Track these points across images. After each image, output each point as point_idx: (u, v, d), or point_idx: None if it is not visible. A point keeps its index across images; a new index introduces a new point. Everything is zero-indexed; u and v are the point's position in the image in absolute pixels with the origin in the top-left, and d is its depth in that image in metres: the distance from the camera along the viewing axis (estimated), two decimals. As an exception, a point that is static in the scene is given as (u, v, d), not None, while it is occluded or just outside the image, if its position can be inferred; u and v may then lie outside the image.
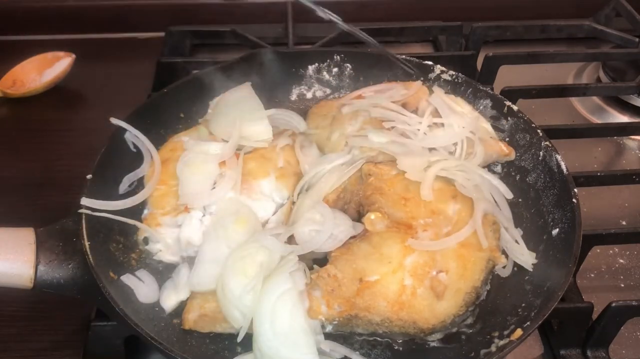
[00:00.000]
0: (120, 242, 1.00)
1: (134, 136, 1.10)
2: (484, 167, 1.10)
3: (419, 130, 1.10)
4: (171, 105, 1.20)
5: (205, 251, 0.96)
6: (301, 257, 0.92)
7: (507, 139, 1.16)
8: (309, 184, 1.06)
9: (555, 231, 1.00)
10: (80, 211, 0.96)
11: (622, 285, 1.10)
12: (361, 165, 1.05)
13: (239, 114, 1.11)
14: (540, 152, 1.10)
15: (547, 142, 1.09)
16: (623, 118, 1.44)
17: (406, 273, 0.91)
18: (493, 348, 0.87)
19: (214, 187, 1.02)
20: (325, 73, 1.32)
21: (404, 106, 1.16)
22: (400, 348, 0.91)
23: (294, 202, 1.04)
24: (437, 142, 1.09)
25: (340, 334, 0.92)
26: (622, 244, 1.14)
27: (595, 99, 1.48)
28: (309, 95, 1.32)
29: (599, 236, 1.04)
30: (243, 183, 1.03)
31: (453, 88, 1.24)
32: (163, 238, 1.00)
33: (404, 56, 1.29)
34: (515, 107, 1.17)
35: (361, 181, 1.04)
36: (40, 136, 1.39)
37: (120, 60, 1.60)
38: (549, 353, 1.00)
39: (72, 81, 1.50)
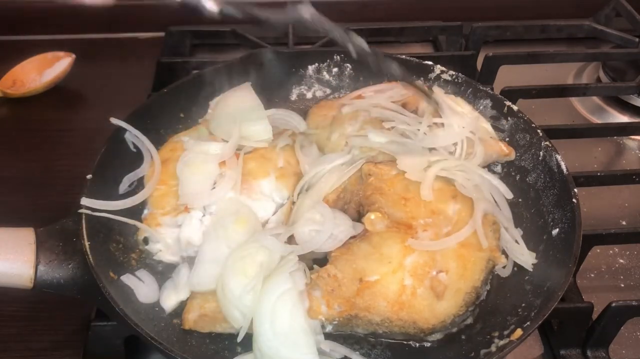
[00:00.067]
0: (120, 242, 1.00)
1: (134, 136, 1.10)
2: (484, 167, 1.10)
3: (419, 130, 1.10)
4: (171, 105, 1.20)
5: (205, 251, 0.96)
6: (301, 257, 0.92)
7: (507, 139, 1.16)
8: (309, 184, 1.06)
9: (555, 231, 1.00)
10: (80, 211, 0.96)
11: (622, 285, 1.10)
12: (361, 165, 1.05)
13: (239, 114, 1.11)
14: (540, 152, 1.10)
15: (547, 142, 1.09)
16: (623, 118, 1.44)
17: (406, 273, 0.91)
18: (493, 348, 0.87)
19: (214, 187, 1.02)
20: (325, 73, 1.32)
21: (404, 106, 1.17)
22: (400, 348, 0.91)
23: (294, 202, 1.04)
24: (437, 142, 1.09)
25: (340, 334, 0.92)
26: (622, 244, 1.14)
27: (595, 99, 1.48)
28: (309, 95, 1.32)
29: (599, 236, 1.04)
30: (243, 183, 1.03)
31: (453, 88, 1.24)
32: (163, 238, 1.00)
33: (403, 56, 1.29)
34: (515, 107, 1.17)
35: (361, 181, 1.04)
36: (40, 136, 1.38)
37: (120, 60, 1.60)
38: (549, 353, 1.00)
39: (72, 81, 1.50)
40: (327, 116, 1.18)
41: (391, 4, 1.74)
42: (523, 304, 0.93)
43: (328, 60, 1.31)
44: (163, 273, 1.00)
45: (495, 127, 1.18)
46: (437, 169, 1.01)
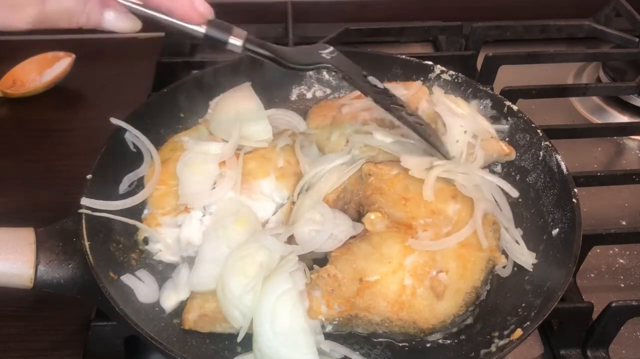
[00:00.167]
0: (120, 242, 1.00)
1: (134, 136, 1.10)
2: (484, 167, 1.10)
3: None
4: (171, 105, 1.20)
5: (205, 251, 0.96)
6: (301, 257, 0.92)
7: (507, 139, 1.16)
8: (309, 184, 1.06)
9: (555, 231, 1.00)
10: (80, 211, 0.96)
11: (622, 285, 1.10)
12: (361, 165, 1.05)
13: (239, 114, 1.11)
14: (540, 152, 1.10)
15: (547, 142, 1.09)
16: (623, 118, 1.44)
17: (406, 273, 0.91)
18: (493, 348, 0.87)
19: (214, 187, 1.02)
20: (325, 73, 1.32)
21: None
22: (400, 348, 0.91)
23: (294, 202, 1.04)
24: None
25: (340, 334, 0.92)
26: (622, 244, 1.14)
27: (595, 99, 1.48)
28: (309, 95, 1.31)
29: (599, 236, 1.04)
30: (243, 183, 1.03)
31: (453, 88, 1.24)
32: (163, 238, 1.00)
33: (403, 56, 1.29)
34: (515, 107, 1.17)
35: (361, 181, 1.04)
36: (40, 136, 1.38)
37: (120, 60, 1.59)
38: (549, 353, 1.00)
39: (72, 81, 1.50)
40: (327, 116, 1.18)
41: (391, 4, 1.74)
42: (523, 304, 0.93)
43: (328, 60, 1.31)
44: (163, 273, 0.99)
45: (495, 127, 1.18)
46: (440, 170, 1.01)
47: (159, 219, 1.01)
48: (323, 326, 0.90)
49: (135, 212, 1.03)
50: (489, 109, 1.20)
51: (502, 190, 1.05)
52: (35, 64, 1.49)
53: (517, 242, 1.00)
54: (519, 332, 0.86)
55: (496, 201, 1.03)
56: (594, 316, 0.96)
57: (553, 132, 1.18)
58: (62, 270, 0.91)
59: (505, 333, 0.89)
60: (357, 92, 1.22)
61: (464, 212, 0.98)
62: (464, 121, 1.12)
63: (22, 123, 1.42)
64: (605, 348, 0.98)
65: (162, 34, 1.59)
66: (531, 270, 0.97)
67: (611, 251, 1.14)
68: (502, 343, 0.87)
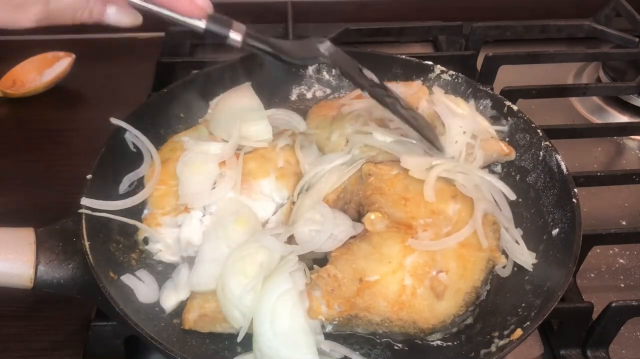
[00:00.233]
0: (120, 242, 1.00)
1: (134, 136, 1.10)
2: (484, 167, 1.10)
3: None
4: (171, 105, 1.19)
5: (205, 251, 0.96)
6: (301, 257, 0.92)
7: (507, 139, 1.16)
8: (309, 184, 1.06)
9: (555, 231, 1.00)
10: (80, 211, 0.96)
11: (622, 285, 1.10)
12: (361, 165, 1.05)
13: (239, 114, 1.11)
14: (540, 152, 1.10)
15: (547, 142, 1.09)
16: (623, 118, 1.44)
17: (406, 273, 0.91)
18: (493, 348, 0.87)
19: (214, 187, 1.02)
20: (325, 73, 1.32)
21: (403, 105, 1.16)
22: (400, 348, 0.91)
23: (294, 202, 1.04)
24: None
25: (340, 334, 0.92)
26: (622, 244, 1.14)
27: (595, 99, 1.48)
28: (309, 95, 1.31)
29: (599, 236, 1.04)
30: (243, 183, 1.03)
31: (453, 88, 1.24)
32: (163, 238, 1.00)
33: (403, 56, 1.29)
34: (515, 107, 1.17)
35: (361, 181, 1.04)
36: (40, 136, 1.38)
37: (120, 60, 1.59)
38: (549, 353, 1.00)
39: (72, 81, 1.50)
40: (327, 116, 1.18)
41: (391, 4, 1.74)
42: (523, 304, 0.93)
43: (328, 60, 1.31)
44: (163, 273, 0.99)
45: (495, 128, 1.18)
46: (440, 170, 1.01)
47: (159, 219, 1.01)
48: (323, 326, 0.90)
49: (135, 212, 1.03)
50: (489, 109, 1.20)
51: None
52: (35, 64, 1.49)
53: (517, 242, 1.00)
54: (519, 332, 0.86)
55: (495, 201, 1.03)
56: (594, 316, 0.96)
57: (553, 132, 1.18)
58: (62, 270, 0.91)
59: (505, 333, 0.89)
60: (357, 92, 1.22)
61: (464, 212, 0.98)
62: (463, 121, 1.12)
63: (22, 123, 1.42)
64: (605, 348, 0.98)
65: (162, 34, 1.59)
66: (531, 270, 0.97)
67: (611, 251, 1.14)
68: (502, 343, 0.87)
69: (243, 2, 1.68)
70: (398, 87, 1.20)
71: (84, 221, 0.95)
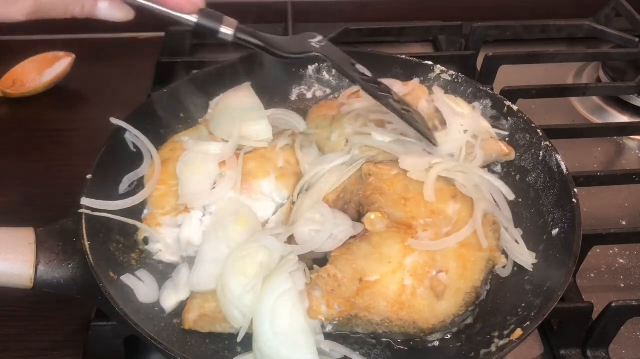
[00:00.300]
0: (120, 242, 1.00)
1: (134, 136, 1.10)
2: (484, 167, 1.10)
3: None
4: (171, 105, 1.19)
5: (205, 251, 0.96)
6: (301, 257, 0.92)
7: (507, 139, 1.16)
8: (309, 184, 1.06)
9: (555, 231, 1.00)
10: (80, 211, 0.96)
11: (622, 285, 1.10)
12: (361, 165, 1.05)
13: (239, 114, 1.11)
14: (540, 152, 1.10)
15: (547, 142, 1.09)
16: (623, 118, 1.44)
17: (406, 273, 0.91)
18: (493, 348, 0.87)
19: (214, 187, 1.02)
20: (325, 73, 1.32)
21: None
22: (400, 348, 0.91)
23: (294, 202, 1.04)
24: (440, 148, 1.08)
25: (340, 334, 0.92)
26: (622, 244, 1.14)
27: (595, 99, 1.48)
28: (309, 95, 1.31)
29: (599, 236, 1.04)
30: (243, 183, 1.03)
31: (453, 88, 1.24)
32: (163, 238, 1.00)
33: (403, 56, 1.29)
34: (515, 107, 1.17)
35: (361, 181, 1.04)
36: (40, 136, 1.38)
37: (120, 60, 1.59)
38: (549, 353, 1.00)
39: (72, 81, 1.50)
40: (327, 116, 1.18)
41: (391, 4, 1.74)
42: (523, 304, 0.93)
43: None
44: (163, 273, 0.99)
45: (495, 127, 1.18)
46: (439, 169, 1.01)
47: (159, 219, 1.01)
48: (323, 326, 0.90)
49: (135, 212, 1.03)
50: (489, 109, 1.20)
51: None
52: (35, 64, 1.49)
53: (517, 242, 1.00)
54: (519, 332, 0.86)
55: (495, 201, 1.03)
56: (594, 316, 0.96)
57: (553, 132, 1.18)
58: (62, 270, 0.91)
59: (505, 333, 0.89)
60: (353, 90, 1.22)
61: (464, 212, 0.98)
62: (464, 120, 1.12)
63: (22, 123, 1.42)
64: (605, 348, 0.98)
65: (162, 34, 1.59)
66: (531, 270, 0.97)
67: (611, 251, 1.14)
68: (502, 343, 0.87)
69: (243, 2, 1.68)
70: (398, 85, 1.20)
71: (84, 221, 0.95)
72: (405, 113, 1.03)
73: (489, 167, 1.13)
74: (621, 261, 1.13)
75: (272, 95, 1.26)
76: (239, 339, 0.88)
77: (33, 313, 1.04)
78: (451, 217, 0.97)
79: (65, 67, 1.49)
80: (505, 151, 1.12)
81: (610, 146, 1.38)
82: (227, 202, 1.01)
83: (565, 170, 1.04)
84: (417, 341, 0.91)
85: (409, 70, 1.27)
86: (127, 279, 0.95)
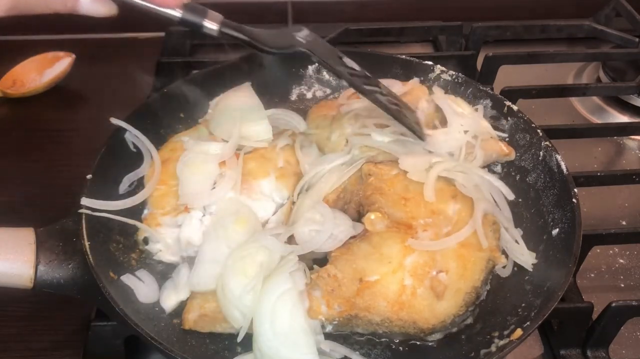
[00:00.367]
0: (120, 242, 1.00)
1: (134, 136, 1.10)
2: (484, 167, 1.10)
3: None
4: (171, 105, 1.19)
5: (205, 251, 0.96)
6: (301, 257, 0.92)
7: (507, 139, 1.16)
8: (309, 184, 1.06)
9: (555, 231, 1.00)
10: (80, 211, 0.96)
11: (622, 285, 1.10)
12: (361, 165, 1.05)
13: (239, 114, 1.11)
14: (540, 152, 1.10)
15: (547, 142, 1.09)
16: (623, 118, 1.44)
17: (406, 273, 0.91)
18: (493, 348, 0.87)
19: (214, 187, 1.02)
20: (325, 73, 1.32)
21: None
22: (400, 348, 0.91)
23: (294, 202, 1.04)
24: (439, 147, 1.08)
25: (340, 334, 0.92)
26: (622, 244, 1.14)
27: (595, 99, 1.48)
28: (309, 95, 1.31)
29: (599, 236, 1.04)
30: (243, 183, 1.03)
31: (453, 88, 1.24)
32: (163, 238, 1.00)
33: (403, 56, 1.29)
34: (515, 107, 1.17)
35: (361, 181, 1.04)
36: (40, 136, 1.39)
37: (120, 60, 1.59)
38: (549, 353, 1.00)
39: (72, 81, 1.50)
40: (327, 116, 1.18)
41: (391, 4, 1.74)
42: (523, 304, 0.93)
43: (328, 60, 1.31)
44: (163, 273, 0.99)
45: (495, 127, 1.17)
46: (439, 169, 1.01)
47: (159, 219, 1.01)
48: (323, 326, 0.90)
49: (135, 212, 1.03)
50: (489, 109, 1.20)
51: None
52: (35, 64, 1.49)
53: (517, 242, 1.00)
54: (519, 332, 0.86)
55: (495, 201, 1.03)
56: (594, 316, 0.96)
57: (553, 132, 1.18)
58: (62, 270, 0.91)
59: (505, 333, 0.89)
60: (353, 90, 1.22)
61: (464, 212, 0.98)
62: (464, 120, 1.12)
63: (22, 123, 1.42)
64: (605, 348, 0.98)
65: (162, 34, 1.59)
66: (531, 270, 0.97)
67: (611, 251, 1.14)
68: (502, 343, 0.87)
69: (243, 2, 1.68)
70: (397, 85, 1.20)
71: (84, 221, 0.95)
72: (393, 107, 1.02)
73: (489, 167, 1.13)
74: (621, 261, 1.13)
75: (272, 95, 1.26)
76: (239, 339, 0.88)
77: (33, 313, 1.04)
78: (451, 217, 0.97)
79: (65, 67, 1.49)
80: (505, 151, 1.12)
81: (610, 146, 1.38)
82: (227, 202, 1.01)
83: (565, 170, 1.04)
84: (417, 341, 0.91)
85: (409, 70, 1.27)
86: (127, 279, 0.95)
